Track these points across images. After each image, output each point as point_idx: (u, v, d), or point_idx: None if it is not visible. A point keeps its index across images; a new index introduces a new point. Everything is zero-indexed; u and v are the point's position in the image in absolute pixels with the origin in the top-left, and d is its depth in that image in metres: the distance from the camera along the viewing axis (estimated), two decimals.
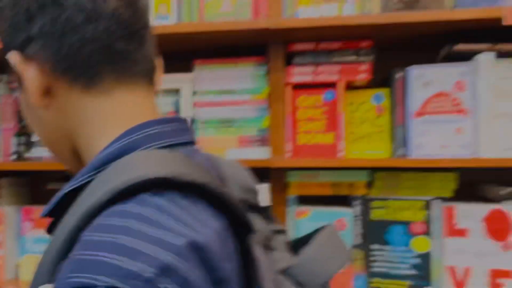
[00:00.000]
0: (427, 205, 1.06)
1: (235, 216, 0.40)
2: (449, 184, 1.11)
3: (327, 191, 1.15)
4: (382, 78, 1.17)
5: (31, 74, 0.44)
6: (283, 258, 0.48)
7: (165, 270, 0.31)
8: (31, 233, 1.26)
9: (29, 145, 1.27)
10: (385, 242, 1.08)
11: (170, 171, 0.37)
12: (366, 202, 1.10)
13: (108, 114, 0.45)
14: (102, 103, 0.45)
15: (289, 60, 1.15)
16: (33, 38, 0.44)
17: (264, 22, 1.07)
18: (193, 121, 1.19)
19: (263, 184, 1.08)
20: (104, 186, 0.37)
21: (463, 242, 1.05)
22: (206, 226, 0.36)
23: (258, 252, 0.41)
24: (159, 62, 0.53)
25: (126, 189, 0.35)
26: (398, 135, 1.10)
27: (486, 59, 1.02)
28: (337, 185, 1.14)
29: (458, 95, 1.05)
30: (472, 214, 1.04)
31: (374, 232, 1.09)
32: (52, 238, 0.38)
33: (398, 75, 1.10)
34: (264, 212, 0.56)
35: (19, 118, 1.27)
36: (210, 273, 0.34)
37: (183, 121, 0.48)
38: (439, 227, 1.06)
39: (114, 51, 0.44)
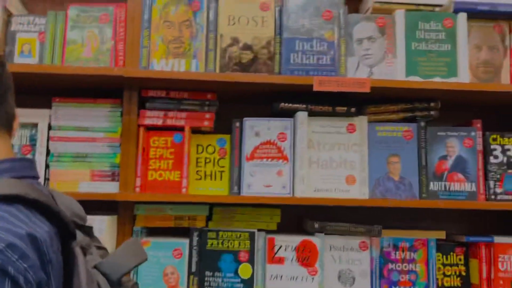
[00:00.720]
0: (251, 236, 1.24)
1: (62, 226, 0.59)
2: (275, 218, 1.30)
3: (170, 224, 1.28)
4: (227, 126, 1.36)
5: None
6: (95, 259, 0.68)
7: (11, 246, 0.50)
8: None
9: None
10: (218, 269, 1.23)
11: (19, 191, 0.56)
12: (203, 234, 1.25)
13: None
14: None
15: (143, 104, 1.29)
16: None
17: (119, 70, 1.21)
18: (48, 154, 1.26)
19: (103, 217, 1.17)
20: None
21: (280, 269, 1.24)
22: (40, 228, 0.55)
23: (77, 251, 0.60)
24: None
25: None
26: (235, 175, 1.28)
27: (301, 117, 1.26)
28: (179, 218, 1.28)
29: (281, 144, 1.27)
30: (287, 245, 1.24)
31: (209, 260, 1.24)
32: None
33: (236, 124, 1.30)
34: (87, 230, 0.75)
35: None
36: (42, 256, 0.53)
37: (31, 161, 0.68)
38: (263, 255, 1.24)
39: None
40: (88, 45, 1.28)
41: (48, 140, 1.26)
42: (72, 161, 1.25)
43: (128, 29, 1.27)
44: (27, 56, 1.29)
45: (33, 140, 1.27)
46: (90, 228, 0.76)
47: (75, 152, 1.25)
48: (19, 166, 0.65)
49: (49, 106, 1.28)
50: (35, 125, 1.27)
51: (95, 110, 1.27)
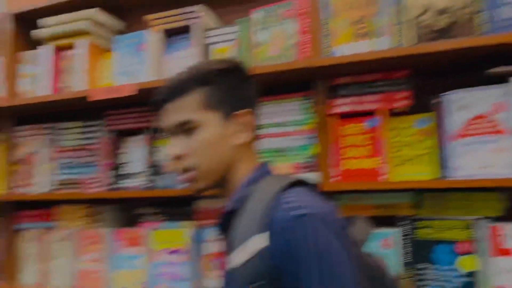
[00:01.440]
0: (471, 225, 1.08)
1: None
2: (496, 204, 1.12)
3: (373, 212, 1.22)
4: (424, 104, 1.23)
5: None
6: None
7: (333, 210, 0.72)
8: (122, 251, 1.49)
9: (121, 177, 1.53)
10: (431, 261, 1.12)
11: (300, 178, 0.78)
12: (411, 222, 1.15)
13: (252, 154, 0.87)
14: (252, 148, 0.87)
15: (332, 92, 1.26)
16: None
17: (306, 62, 1.21)
18: None
19: None
20: (273, 187, 0.74)
21: (510, 262, 1.05)
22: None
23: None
24: None
25: (289, 184, 0.74)
26: (442, 157, 1.15)
27: None
28: (381, 206, 1.21)
29: (496, 117, 1.08)
30: None
31: (420, 251, 1.13)
32: (242, 217, 0.73)
33: (437, 100, 1.16)
34: None
35: (114, 155, 1.54)
36: (341, 221, 0.73)
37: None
38: (486, 246, 1.08)
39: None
40: (274, 43, 1.32)
41: None
42: (274, 156, 1.32)
43: (310, 20, 1.27)
44: None
45: None
46: None
47: (276, 148, 1.31)
48: (272, 167, 0.87)
49: None
50: None
51: (288, 105, 1.31)
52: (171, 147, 0.84)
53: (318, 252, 0.65)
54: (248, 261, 0.68)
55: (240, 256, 0.70)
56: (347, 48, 1.22)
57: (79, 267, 1.55)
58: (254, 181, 0.81)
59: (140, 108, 1.51)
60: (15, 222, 1.66)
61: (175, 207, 1.47)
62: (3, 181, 1.67)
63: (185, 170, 0.83)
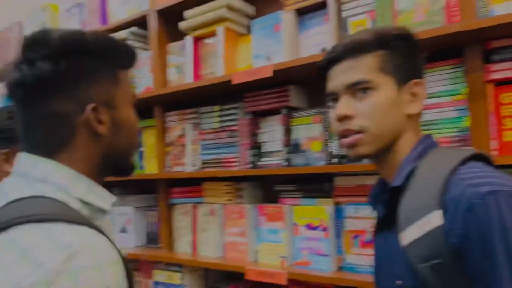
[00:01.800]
0: None
1: None
2: None
3: None
4: None
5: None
6: None
7: None
8: (265, 225, 1.57)
9: (260, 155, 1.60)
10: None
11: (478, 152, 0.74)
12: None
13: (418, 126, 0.84)
14: (419, 120, 0.84)
15: (486, 58, 1.14)
16: None
17: (456, 26, 1.11)
18: None
19: None
20: (447, 160, 0.70)
21: None
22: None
23: None
24: None
25: (467, 158, 0.70)
26: None
27: None
28: None
29: None
30: None
31: None
32: (413, 193, 0.71)
33: None
34: None
35: (253, 135, 1.62)
36: None
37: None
38: None
39: None
40: (418, 9, 1.24)
41: None
42: (423, 130, 1.24)
43: None
44: None
45: None
46: None
47: (424, 121, 1.24)
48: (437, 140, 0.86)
49: None
50: None
51: (434, 75, 1.22)
52: (340, 107, 0.80)
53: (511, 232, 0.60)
54: (423, 238, 0.65)
55: (413, 233, 0.67)
56: (505, 7, 1.09)
57: (225, 239, 1.68)
58: (421, 154, 0.78)
59: (276, 89, 1.55)
60: (169, 197, 1.86)
61: (313, 184, 1.49)
62: (158, 161, 1.87)
63: (352, 132, 0.79)
